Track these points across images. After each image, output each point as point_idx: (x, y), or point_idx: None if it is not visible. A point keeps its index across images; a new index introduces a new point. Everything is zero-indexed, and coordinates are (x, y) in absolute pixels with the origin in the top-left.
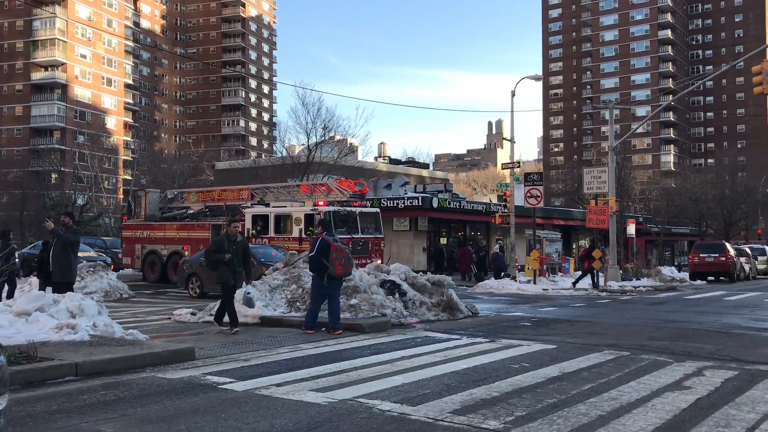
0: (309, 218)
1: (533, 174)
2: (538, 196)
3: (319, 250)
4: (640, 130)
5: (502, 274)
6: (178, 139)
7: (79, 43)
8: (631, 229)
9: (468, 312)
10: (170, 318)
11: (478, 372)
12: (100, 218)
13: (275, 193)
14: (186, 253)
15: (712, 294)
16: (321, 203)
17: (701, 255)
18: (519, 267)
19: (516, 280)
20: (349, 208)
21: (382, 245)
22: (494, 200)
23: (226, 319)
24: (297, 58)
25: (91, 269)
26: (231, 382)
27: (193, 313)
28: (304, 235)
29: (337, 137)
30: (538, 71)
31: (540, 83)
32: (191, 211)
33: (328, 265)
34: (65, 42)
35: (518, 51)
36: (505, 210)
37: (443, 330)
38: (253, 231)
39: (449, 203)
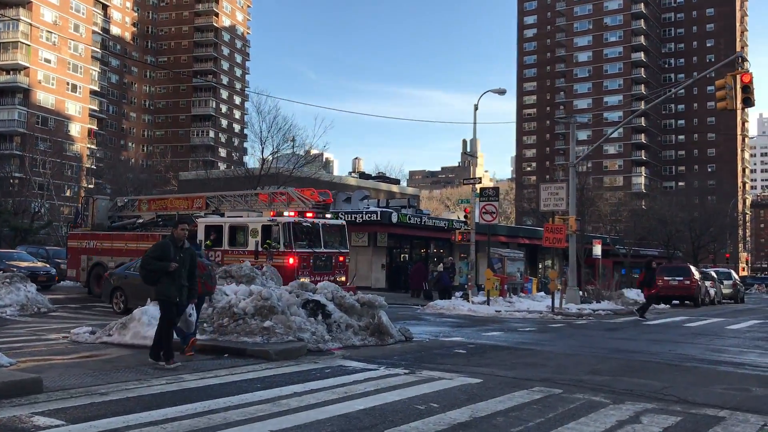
0: (267, 230)
1: (488, 189)
2: (493, 212)
3: None
4: (611, 151)
5: (453, 294)
6: (146, 148)
7: (44, 47)
8: (597, 249)
9: (400, 336)
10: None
11: (371, 415)
12: (49, 227)
13: (231, 202)
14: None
15: (673, 320)
16: (292, 213)
17: (665, 278)
18: (475, 286)
19: (469, 301)
20: (311, 220)
21: (347, 261)
22: (462, 217)
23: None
24: (272, 70)
25: (7, 281)
26: (59, 426)
27: (92, 332)
28: (260, 248)
29: (296, 149)
30: (513, 90)
31: (514, 101)
32: (141, 221)
33: None
34: (29, 45)
35: (494, 71)
36: (467, 227)
37: (364, 358)
38: (207, 242)
39: (409, 219)
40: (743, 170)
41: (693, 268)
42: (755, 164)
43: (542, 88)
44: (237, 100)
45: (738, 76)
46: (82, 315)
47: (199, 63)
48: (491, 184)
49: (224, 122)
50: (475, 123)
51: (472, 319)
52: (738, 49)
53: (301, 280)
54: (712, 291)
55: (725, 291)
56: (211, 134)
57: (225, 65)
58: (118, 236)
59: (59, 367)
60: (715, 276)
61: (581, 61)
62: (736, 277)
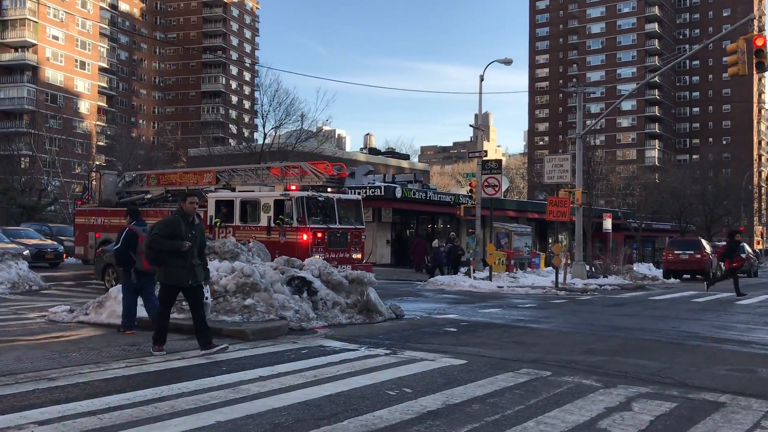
0: (279, 205)
1: (491, 162)
2: (496, 185)
3: (125, 242)
4: (625, 124)
5: (460, 269)
6: (156, 125)
7: (51, 24)
8: (608, 223)
9: (390, 314)
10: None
11: (335, 403)
12: (55, 204)
13: (243, 177)
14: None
15: (681, 294)
16: (293, 187)
17: (676, 252)
18: (481, 261)
19: (471, 276)
20: (326, 194)
21: (363, 237)
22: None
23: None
24: (282, 46)
25: None
26: None
27: (70, 311)
28: (273, 224)
29: (300, 123)
30: (525, 63)
31: (526, 75)
32: (150, 196)
33: (135, 259)
34: (36, 23)
35: (506, 45)
36: (473, 201)
37: (347, 337)
38: (216, 220)
39: (414, 194)
40: (759, 142)
41: (704, 242)
42: None
43: (555, 61)
44: (247, 76)
45: (751, 40)
46: (73, 293)
47: (209, 39)
48: (504, 159)
49: (234, 99)
50: (480, 93)
51: (472, 295)
52: (756, 18)
53: (315, 257)
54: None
55: None
56: (221, 111)
57: (234, 41)
58: (125, 212)
59: (20, 348)
60: None
61: (594, 33)
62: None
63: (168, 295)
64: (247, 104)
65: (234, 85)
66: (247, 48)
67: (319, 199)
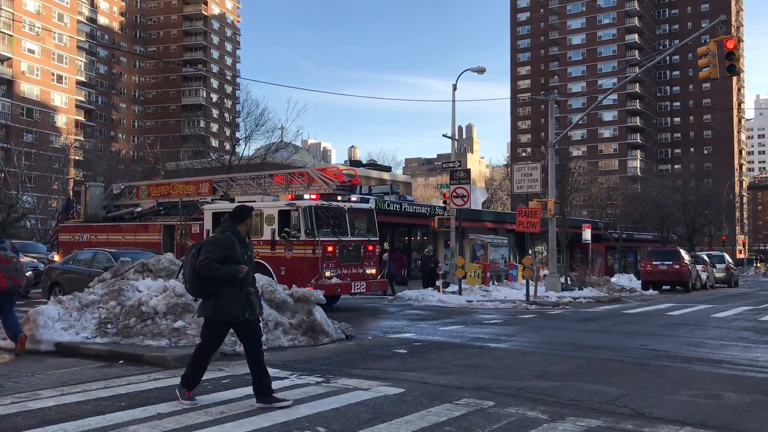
0: (284, 215)
1: (459, 171)
2: (464, 196)
3: None
4: (606, 134)
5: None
6: (136, 139)
7: (27, 37)
8: (587, 234)
9: (338, 335)
10: None
11: None
12: (23, 219)
13: (242, 186)
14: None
15: (657, 307)
16: (313, 196)
17: (654, 262)
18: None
19: (440, 291)
20: (336, 203)
21: (377, 251)
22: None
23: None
24: (266, 60)
25: None
26: None
27: None
28: (277, 237)
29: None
30: (507, 75)
31: (509, 87)
32: (140, 209)
33: None
34: (11, 36)
35: (489, 57)
36: (448, 213)
37: (282, 363)
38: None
39: (389, 205)
40: (740, 152)
41: (683, 252)
42: (752, 146)
43: (536, 72)
44: (228, 89)
45: (722, 43)
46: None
47: (189, 52)
48: (487, 171)
49: (215, 112)
50: (453, 101)
51: (438, 311)
52: (734, 30)
53: (327, 274)
54: (703, 275)
55: (718, 275)
56: (202, 124)
57: (215, 54)
58: (114, 228)
59: None
60: (707, 260)
61: (575, 44)
62: (730, 260)
63: (217, 332)
64: (228, 117)
65: (215, 98)
66: (228, 61)
67: (329, 208)
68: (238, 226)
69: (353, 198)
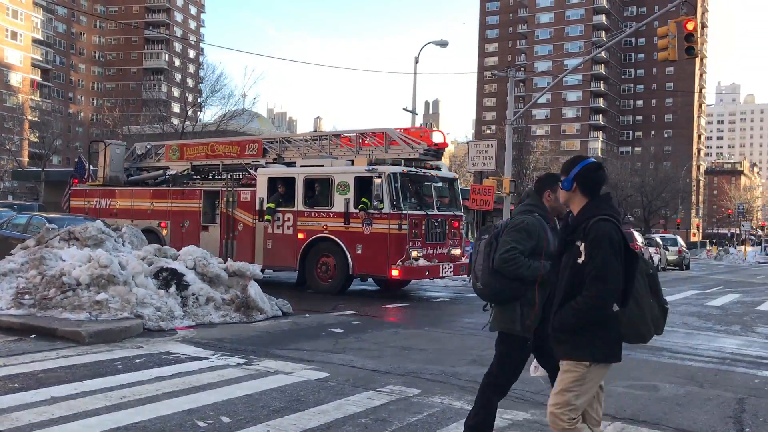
0: (363, 183)
1: None
2: None
3: None
4: (570, 115)
5: None
6: (95, 101)
7: None
8: None
9: (275, 311)
10: None
11: None
12: None
13: (300, 148)
14: (164, 230)
15: None
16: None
17: None
18: None
19: None
20: (425, 171)
21: (462, 227)
22: None
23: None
24: (231, 25)
25: None
26: None
27: None
28: (353, 209)
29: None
30: (475, 52)
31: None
32: (172, 172)
33: None
34: None
35: (459, 33)
36: None
37: (208, 341)
38: (270, 203)
39: None
40: (699, 136)
41: (636, 234)
42: (711, 131)
43: (504, 50)
44: (191, 53)
45: (681, 24)
46: None
47: (152, 14)
48: (452, 148)
49: (178, 76)
50: (415, 74)
51: (385, 288)
52: (699, 16)
53: (414, 254)
54: (656, 258)
55: (670, 257)
56: (164, 88)
57: (179, 17)
58: (141, 193)
59: None
60: (660, 242)
61: (543, 23)
62: (682, 243)
63: (520, 355)
64: (191, 83)
65: (178, 62)
66: (192, 24)
67: (416, 176)
68: (548, 203)
69: (437, 165)
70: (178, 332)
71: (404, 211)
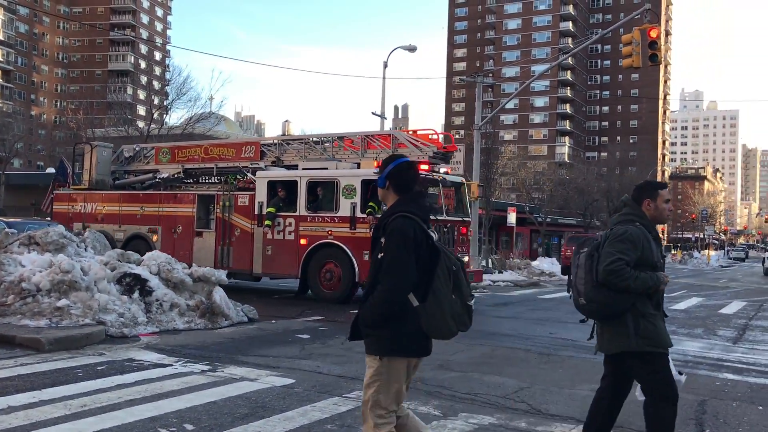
0: (369, 186)
1: None
2: None
3: None
4: (537, 120)
5: None
6: (59, 103)
7: None
8: (512, 217)
9: (240, 317)
10: None
11: None
12: None
13: (301, 151)
14: (155, 237)
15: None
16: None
17: (573, 248)
18: None
19: None
20: (434, 175)
21: (470, 233)
22: None
23: None
24: (198, 27)
25: None
26: None
27: None
28: (360, 214)
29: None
30: (444, 57)
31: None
32: (164, 176)
33: None
34: None
35: (428, 39)
36: None
37: (172, 347)
38: (270, 208)
39: None
40: (663, 142)
41: None
42: (675, 137)
43: (472, 55)
44: (158, 55)
45: (645, 31)
46: None
47: (117, 15)
48: None
49: (144, 79)
50: (384, 78)
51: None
52: (663, 23)
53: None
54: None
55: None
56: (130, 91)
57: (145, 19)
58: (130, 197)
59: None
60: None
61: (511, 29)
62: None
63: (659, 363)
64: (157, 85)
65: (143, 64)
66: (159, 27)
67: (425, 180)
68: (655, 210)
69: (444, 169)
70: (141, 339)
71: None
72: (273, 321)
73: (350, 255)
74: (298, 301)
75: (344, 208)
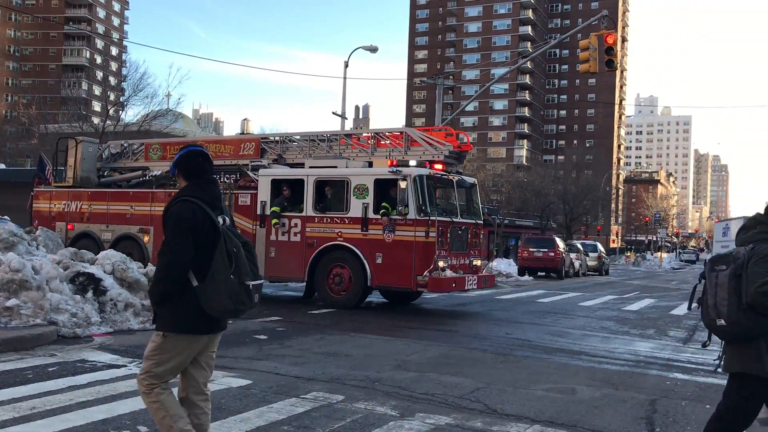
0: (383, 186)
1: None
2: None
3: None
4: (496, 123)
5: None
6: (10, 98)
7: None
8: None
9: None
10: None
11: None
12: None
13: (304, 149)
14: (146, 237)
15: (529, 294)
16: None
17: (530, 249)
18: None
19: None
20: (450, 175)
21: (482, 237)
22: None
23: None
24: (156, 23)
25: None
26: None
27: None
28: (373, 214)
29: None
30: (405, 58)
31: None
32: (156, 173)
33: None
34: None
35: (389, 40)
36: None
37: (126, 348)
38: (274, 207)
39: None
40: (619, 146)
41: (558, 240)
42: (630, 141)
43: (433, 57)
44: (114, 51)
45: (602, 37)
46: None
47: (72, 9)
48: None
49: (100, 74)
50: (344, 78)
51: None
52: (619, 29)
53: (441, 264)
54: (576, 263)
55: (590, 263)
56: (85, 86)
57: (101, 13)
58: (119, 196)
59: None
60: (581, 248)
61: (471, 32)
62: (602, 249)
63: (759, 398)
64: (113, 81)
65: (99, 59)
66: (116, 21)
67: (441, 180)
68: None
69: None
70: (94, 339)
71: (432, 217)
72: (230, 321)
73: (362, 258)
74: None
75: (355, 209)
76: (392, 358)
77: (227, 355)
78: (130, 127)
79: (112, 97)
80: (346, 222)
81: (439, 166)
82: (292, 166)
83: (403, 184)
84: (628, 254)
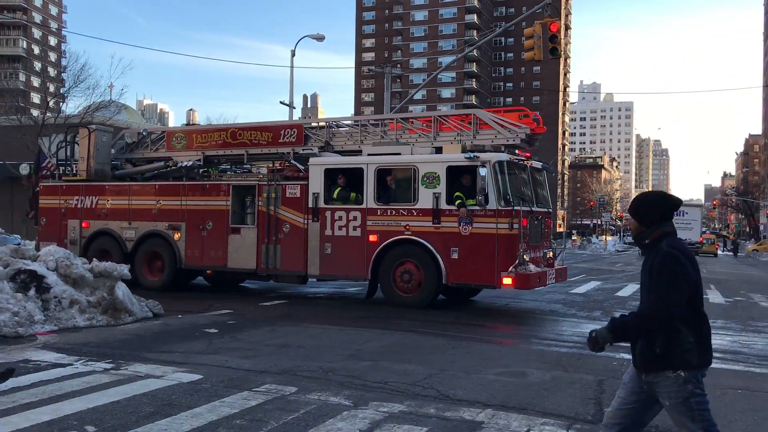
0: (456, 174)
1: None
2: None
3: None
4: (445, 110)
5: None
6: None
7: None
8: None
9: (145, 313)
10: None
11: None
12: None
13: (355, 135)
14: (177, 235)
15: None
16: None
17: None
18: None
19: None
20: (528, 161)
21: (551, 224)
22: None
23: None
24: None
25: None
26: None
27: None
28: (446, 205)
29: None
30: (352, 47)
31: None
32: (186, 163)
33: None
34: None
35: (335, 28)
36: None
37: (72, 346)
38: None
39: None
40: (563, 132)
41: None
42: (575, 128)
43: (380, 46)
44: (53, 40)
45: (547, 25)
46: None
47: None
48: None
49: (38, 65)
50: (292, 67)
51: (258, 284)
52: (562, 17)
53: (525, 258)
54: None
55: None
56: (22, 77)
57: (37, 1)
58: (144, 188)
59: None
60: None
61: (418, 20)
62: None
63: None
64: (53, 72)
65: (37, 50)
66: (53, 11)
67: (519, 167)
68: None
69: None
70: (38, 338)
71: (517, 207)
72: (179, 316)
73: (434, 252)
74: (206, 296)
75: (425, 199)
76: (345, 348)
77: (177, 350)
78: (71, 119)
79: (51, 88)
80: (414, 214)
81: (524, 152)
82: (344, 153)
83: (482, 172)
84: (574, 238)
